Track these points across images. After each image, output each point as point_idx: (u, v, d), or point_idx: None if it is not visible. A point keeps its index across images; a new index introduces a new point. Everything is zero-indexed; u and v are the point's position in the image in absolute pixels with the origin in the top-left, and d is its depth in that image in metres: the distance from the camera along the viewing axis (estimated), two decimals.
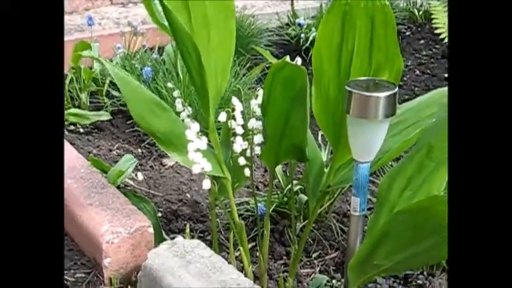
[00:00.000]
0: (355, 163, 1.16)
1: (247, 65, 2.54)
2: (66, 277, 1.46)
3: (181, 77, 2.24)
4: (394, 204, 1.19)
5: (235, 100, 1.26)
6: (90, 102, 2.47)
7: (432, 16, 3.13)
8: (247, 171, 1.32)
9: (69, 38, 2.86)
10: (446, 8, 3.13)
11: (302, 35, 3.06)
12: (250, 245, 1.54)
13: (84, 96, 2.43)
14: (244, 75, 2.44)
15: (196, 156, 1.22)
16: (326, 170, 1.35)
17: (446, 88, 1.34)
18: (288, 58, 1.17)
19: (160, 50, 2.72)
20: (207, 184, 1.26)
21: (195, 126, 1.23)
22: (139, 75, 2.37)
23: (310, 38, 3.00)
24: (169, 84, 1.35)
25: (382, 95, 1.09)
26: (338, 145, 1.25)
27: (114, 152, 2.15)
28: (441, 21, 3.10)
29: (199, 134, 1.24)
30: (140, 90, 1.38)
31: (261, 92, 1.27)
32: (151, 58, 2.56)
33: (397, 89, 1.10)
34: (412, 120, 1.26)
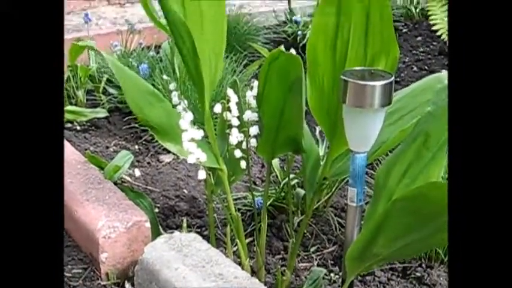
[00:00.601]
0: (352, 153, 1.16)
1: (244, 62, 2.54)
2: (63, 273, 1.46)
3: (178, 74, 2.24)
4: (392, 192, 1.18)
5: (230, 92, 1.26)
6: (87, 99, 2.47)
7: (429, 13, 3.13)
8: (243, 164, 1.31)
9: (67, 36, 2.85)
10: (443, 5, 3.13)
11: (299, 33, 3.06)
12: (247, 240, 1.53)
13: (80, 93, 2.42)
14: (241, 71, 2.44)
15: (191, 146, 1.21)
16: (322, 163, 1.34)
17: (439, 74, 1.34)
18: (282, 48, 1.16)
19: (157, 48, 2.72)
20: (202, 175, 1.26)
21: (189, 116, 1.22)
22: (136, 72, 2.36)
23: (307, 35, 3.00)
24: (165, 77, 1.34)
25: (378, 83, 1.08)
26: (334, 136, 1.25)
27: (111, 149, 2.15)
28: (438, 18, 3.10)
29: (194, 125, 1.23)
30: (137, 81, 1.39)
31: (256, 83, 1.27)
32: (148, 56, 2.55)
33: (393, 78, 1.10)
34: (408, 109, 1.26)
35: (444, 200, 0.78)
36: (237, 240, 1.37)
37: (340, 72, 1.14)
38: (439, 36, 3.10)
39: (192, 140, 1.21)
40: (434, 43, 3.28)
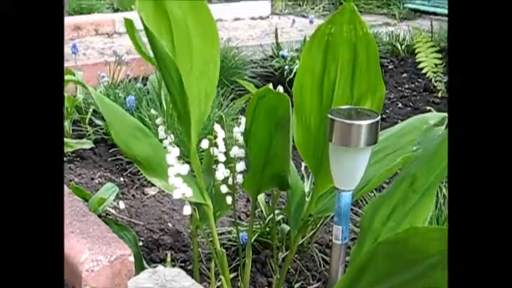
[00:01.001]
0: (337, 191, 1.16)
1: (231, 96, 2.56)
2: None
3: (165, 106, 2.25)
4: (377, 234, 1.18)
5: (217, 127, 1.26)
6: (73, 130, 2.47)
7: (416, 50, 3.17)
8: (229, 200, 1.31)
9: None
10: (428, 42, 3.17)
11: (286, 67, 3.08)
12: (232, 275, 1.53)
13: (67, 124, 2.42)
14: (227, 106, 2.45)
15: (177, 181, 1.21)
16: (307, 199, 1.34)
17: (425, 114, 1.36)
18: (270, 86, 1.17)
19: (144, 80, 2.73)
20: (187, 210, 1.26)
21: (175, 151, 1.23)
22: (122, 103, 2.37)
23: (294, 70, 3.02)
24: (153, 111, 1.35)
25: (364, 123, 1.09)
26: (319, 174, 1.25)
27: (96, 181, 2.14)
28: (424, 55, 3.14)
29: (181, 160, 1.23)
30: (123, 115, 1.39)
31: (243, 119, 1.27)
32: (135, 87, 2.56)
33: (379, 118, 1.11)
34: (393, 148, 1.27)
35: (425, 246, 0.79)
36: (221, 276, 1.36)
37: (327, 110, 1.15)
38: (425, 74, 3.13)
39: (178, 175, 1.21)
40: (420, 80, 3.31)
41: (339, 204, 1.17)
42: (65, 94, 2.43)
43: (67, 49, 3.19)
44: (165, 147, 1.31)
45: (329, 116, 1.11)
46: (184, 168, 1.22)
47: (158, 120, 1.34)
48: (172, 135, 1.32)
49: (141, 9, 1.15)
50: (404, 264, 1.01)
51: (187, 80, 1.16)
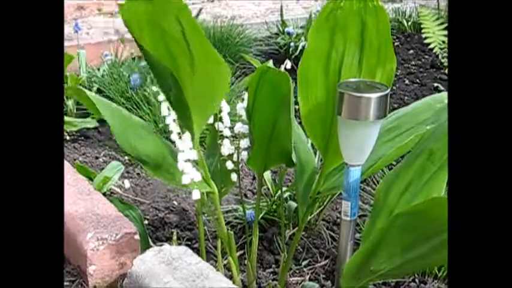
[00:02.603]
0: (346, 166, 1.14)
1: (236, 74, 2.53)
2: None
3: None
4: (392, 208, 1.15)
5: (222, 102, 1.23)
6: (77, 109, 2.44)
7: (422, 26, 3.13)
8: (234, 177, 1.29)
9: None
10: (435, 19, 3.13)
11: (292, 44, 3.05)
12: (238, 253, 1.51)
13: (70, 103, 2.40)
14: (233, 83, 2.42)
15: (187, 166, 1.19)
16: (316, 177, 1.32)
17: (439, 94, 1.32)
18: (271, 63, 1.14)
19: None
20: (196, 195, 1.23)
21: (187, 137, 1.20)
22: (127, 82, 2.34)
23: (300, 47, 2.99)
24: (154, 88, 1.31)
25: (374, 95, 1.06)
26: (328, 150, 1.23)
27: (101, 160, 2.12)
28: (430, 31, 3.09)
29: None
30: (124, 114, 1.35)
31: (246, 95, 1.24)
32: (139, 66, 2.53)
33: (388, 90, 1.08)
34: (407, 126, 1.24)
35: (445, 217, 0.76)
36: (229, 257, 1.34)
37: (334, 84, 1.13)
38: (431, 50, 3.09)
39: (188, 160, 1.19)
40: (426, 56, 3.28)
41: (348, 180, 1.14)
42: (68, 73, 2.41)
43: (69, 29, 3.16)
44: (167, 125, 1.28)
45: (338, 89, 1.08)
46: (194, 154, 1.20)
47: (161, 97, 1.31)
48: (174, 113, 1.29)
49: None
50: (422, 236, 0.99)
51: (187, 89, 1.12)
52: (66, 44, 2.92)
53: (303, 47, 2.99)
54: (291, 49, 3.04)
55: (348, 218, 1.17)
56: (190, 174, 1.19)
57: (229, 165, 1.27)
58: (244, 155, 1.27)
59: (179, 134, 1.21)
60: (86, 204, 1.55)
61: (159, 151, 1.29)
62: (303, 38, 3.08)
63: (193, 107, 1.15)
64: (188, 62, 1.06)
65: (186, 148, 1.19)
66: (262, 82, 1.17)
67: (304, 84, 1.16)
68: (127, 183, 1.95)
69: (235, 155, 1.27)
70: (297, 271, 1.58)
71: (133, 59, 2.66)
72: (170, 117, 1.28)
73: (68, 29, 3.30)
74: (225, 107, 1.23)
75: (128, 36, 2.85)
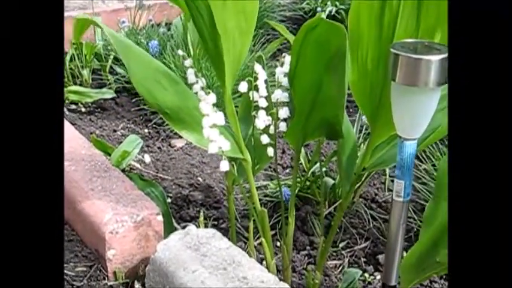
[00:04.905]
0: (400, 140, 0.99)
1: (261, 41, 2.38)
2: (65, 271, 1.30)
3: (192, 51, 2.08)
4: None
5: (258, 67, 1.09)
6: (93, 79, 2.32)
7: None
8: (270, 151, 1.15)
9: (71, 13, 2.69)
10: None
11: (318, 9, 2.88)
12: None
13: (86, 73, 2.26)
14: (258, 51, 2.28)
15: (212, 133, 1.04)
16: (360, 150, 1.18)
17: None
18: (323, 15, 1.00)
19: (168, 25, 2.56)
20: (225, 166, 1.08)
21: (211, 98, 1.06)
22: (146, 50, 2.20)
23: (327, 12, 2.82)
24: (180, 52, 1.17)
25: (435, 58, 0.91)
26: (377, 121, 1.09)
27: (119, 133, 1.99)
28: None
29: (216, 108, 1.06)
30: (145, 58, 1.21)
31: (287, 58, 1.10)
32: (158, 32, 2.39)
33: None
34: None
35: None
36: (262, 239, 1.21)
37: (388, 45, 0.97)
38: None
39: (214, 125, 1.04)
40: None
41: (401, 155, 0.99)
42: (83, 41, 2.27)
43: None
44: (195, 94, 1.14)
45: (392, 50, 0.93)
46: (221, 118, 1.05)
47: (187, 62, 1.17)
48: (203, 79, 1.15)
49: None
50: None
51: (219, 16, 1.00)
52: (80, 12, 2.79)
53: (330, 12, 2.83)
54: (317, 15, 2.88)
55: (400, 198, 1.02)
56: (217, 142, 1.05)
57: (265, 139, 1.12)
58: (282, 126, 1.12)
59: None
60: (103, 182, 1.43)
61: (183, 104, 1.15)
62: (329, 3, 2.91)
63: (225, 41, 1.02)
64: None
65: (211, 111, 1.05)
66: (308, 40, 1.01)
67: (355, 40, 1.01)
68: (147, 158, 1.82)
69: (271, 127, 1.12)
70: (334, 253, 1.45)
71: (152, 26, 2.51)
72: (198, 85, 1.14)
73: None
74: (261, 73, 1.09)
75: (146, 2, 2.73)
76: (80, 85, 2.25)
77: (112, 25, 2.59)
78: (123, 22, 2.52)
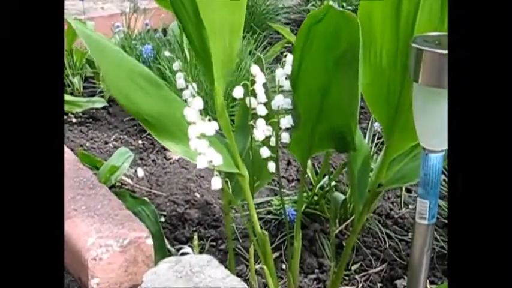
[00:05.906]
0: (424, 152, 0.84)
1: (263, 44, 2.26)
2: None
3: (188, 56, 1.94)
4: None
5: (255, 69, 0.95)
6: (84, 87, 2.19)
7: None
8: (271, 166, 1.00)
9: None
10: None
11: None
12: (274, 255, 1.26)
13: (76, 80, 2.13)
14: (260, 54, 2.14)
15: (201, 145, 0.90)
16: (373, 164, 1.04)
17: None
18: (331, 2, 0.85)
19: (165, 31, 2.44)
20: (217, 183, 0.94)
21: (197, 103, 0.91)
22: (139, 55, 2.07)
23: None
24: (167, 53, 1.03)
25: None
26: (394, 130, 0.95)
27: (111, 145, 1.86)
28: None
29: (207, 117, 0.92)
30: (118, 55, 1.06)
31: (289, 58, 0.95)
32: (153, 37, 2.26)
33: None
34: None
35: None
36: (263, 266, 1.06)
37: (407, 39, 0.83)
38: None
39: (203, 136, 0.90)
40: None
41: (425, 171, 0.85)
42: (74, 47, 2.13)
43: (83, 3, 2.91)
44: (185, 101, 1.00)
45: (413, 45, 0.79)
46: (211, 127, 0.90)
47: (175, 65, 1.03)
48: (194, 85, 1.00)
49: None
50: None
51: (204, 6, 0.87)
52: (76, 17, 2.68)
53: None
54: (325, 3, 2.75)
55: (424, 221, 0.88)
56: (206, 156, 0.90)
57: (265, 152, 0.98)
58: (285, 137, 0.97)
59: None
60: (88, 200, 1.30)
61: (167, 112, 1.01)
62: (336, 4, 2.78)
63: (212, 35, 0.90)
64: None
65: (198, 119, 0.90)
66: (314, 34, 0.87)
67: (367, 36, 0.87)
68: (140, 172, 1.68)
69: (272, 139, 0.98)
70: (346, 277, 1.30)
71: (148, 31, 2.39)
72: (188, 90, 1.00)
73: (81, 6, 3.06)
74: (260, 77, 0.94)
75: (142, 6, 2.61)
76: (71, 94, 2.12)
77: (107, 30, 2.48)
78: (117, 27, 2.40)
